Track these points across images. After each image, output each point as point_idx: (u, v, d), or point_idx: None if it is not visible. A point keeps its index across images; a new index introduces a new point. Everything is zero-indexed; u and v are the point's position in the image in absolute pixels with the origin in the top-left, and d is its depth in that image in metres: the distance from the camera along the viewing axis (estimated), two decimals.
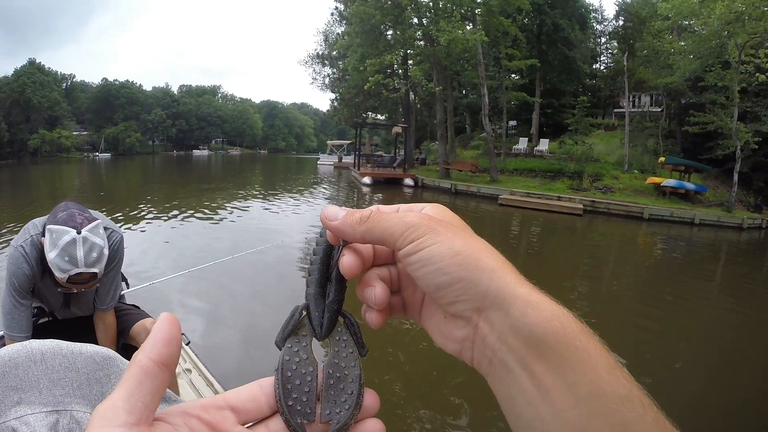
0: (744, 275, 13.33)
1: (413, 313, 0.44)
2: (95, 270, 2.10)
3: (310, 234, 12.66)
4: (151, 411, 0.31)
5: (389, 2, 27.90)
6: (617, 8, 42.34)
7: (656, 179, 23.35)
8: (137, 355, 0.32)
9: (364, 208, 0.42)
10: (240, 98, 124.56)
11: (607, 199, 22.21)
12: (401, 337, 6.19)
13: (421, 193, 26.65)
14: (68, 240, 2.00)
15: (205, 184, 29.45)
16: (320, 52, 49.31)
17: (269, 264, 9.32)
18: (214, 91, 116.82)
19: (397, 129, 33.81)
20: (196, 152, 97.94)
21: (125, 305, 2.75)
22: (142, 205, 17.08)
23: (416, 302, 0.43)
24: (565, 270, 11.63)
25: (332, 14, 47.70)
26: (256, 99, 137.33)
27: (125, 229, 12.74)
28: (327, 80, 50.20)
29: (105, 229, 2.25)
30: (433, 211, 0.43)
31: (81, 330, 2.49)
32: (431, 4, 28.20)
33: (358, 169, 33.08)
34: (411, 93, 39.44)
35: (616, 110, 37.64)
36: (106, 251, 2.14)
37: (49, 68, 74.44)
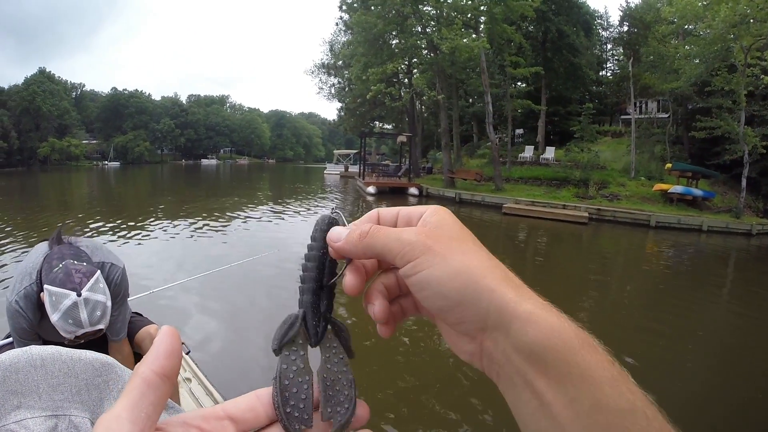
0: (753, 281, 13.18)
1: (423, 312, 0.44)
2: (101, 326, 2.07)
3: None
4: (153, 422, 0.31)
5: (392, 12, 27.90)
6: (622, 14, 42.16)
7: (663, 186, 23.05)
8: (140, 367, 0.33)
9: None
10: (248, 108, 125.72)
11: (613, 206, 21.98)
12: (396, 350, 6.11)
13: (426, 202, 26.22)
14: (69, 304, 1.96)
15: (212, 193, 29.63)
16: (326, 62, 49.58)
17: (270, 273, 9.27)
18: (222, 100, 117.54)
19: (402, 138, 33.79)
20: (204, 161, 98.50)
21: None
22: (149, 214, 17.16)
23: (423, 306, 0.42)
24: (571, 279, 11.49)
25: (337, 24, 47.95)
26: (265, 108, 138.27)
27: (133, 237, 12.85)
28: (333, 90, 50.46)
29: (104, 264, 2.24)
30: (432, 217, 0.42)
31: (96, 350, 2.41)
32: (434, 12, 28.18)
33: (363, 179, 33.03)
34: (417, 102, 39.47)
35: (623, 117, 37.36)
36: (109, 303, 2.09)
37: (59, 77, 75.53)
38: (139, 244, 12.21)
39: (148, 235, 13.38)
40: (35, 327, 2.22)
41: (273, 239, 13.66)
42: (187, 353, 3.30)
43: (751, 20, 21.16)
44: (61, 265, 2.03)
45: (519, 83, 36.72)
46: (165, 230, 14.21)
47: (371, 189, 28.81)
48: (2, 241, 11.92)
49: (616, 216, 21.04)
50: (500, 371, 0.36)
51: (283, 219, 18.08)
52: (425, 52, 30.39)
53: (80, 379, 0.84)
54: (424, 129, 44.21)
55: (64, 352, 0.84)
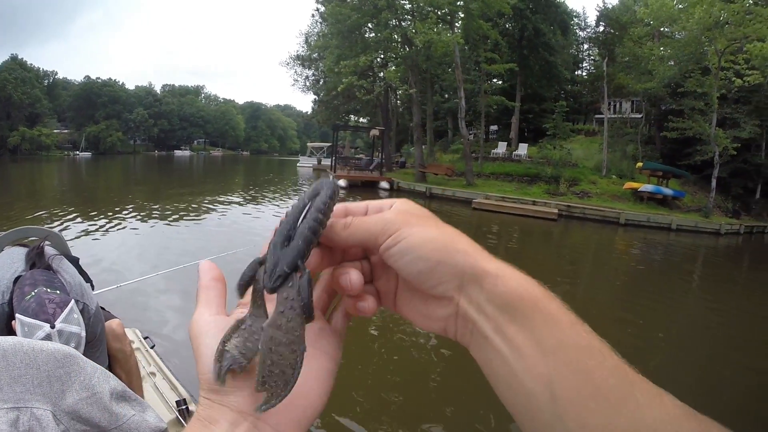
0: (723, 277, 13.39)
1: (388, 302, 0.46)
2: None
3: None
4: (222, 306, 0.42)
5: (367, 4, 27.43)
6: (598, 14, 42.26)
7: (634, 184, 23.02)
8: (202, 275, 0.44)
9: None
10: (223, 99, 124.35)
11: (583, 204, 21.85)
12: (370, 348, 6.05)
13: (397, 196, 25.77)
14: (42, 336, 1.82)
15: (186, 186, 28.68)
16: (301, 54, 48.86)
17: (240, 269, 8.86)
18: (197, 91, 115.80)
19: (374, 132, 33.32)
20: (177, 153, 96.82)
21: None
22: (121, 207, 16.25)
23: (390, 291, 0.46)
24: (541, 274, 11.01)
25: (313, 15, 47.22)
26: (240, 100, 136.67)
27: (103, 229, 12.24)
28: (308, 82, 49.79)
29: (77, 302, 2.03)
30: (402, 206, 0.45)
31: None
32: (409, 6, 27.78)
33: (335, 172, 32.54)
34: (392, 96, 39.10)
35: (597, 116, 37.51)
36: (83, 334, 1.93)
37: (32, 64, 73.68)
38: (109, 236, 11.64)
39: (119, 227, 12.77)
40: None
41: (246, 233, 13.24)
42: (152, 347, 3.39)
43: (726, 24, 21.17)
44: (33, 293, 1.90)
45: (494, 80, 36.56)
46: (136, 223, 13.59)
47: (342, 182, 28.23)
48: None
49: (586, 213, 20.90)
50: (473, 328, 0.39)
51: (256, 213, 17.53)
52: (400, 45, 29.96)
53: (42, 370, 0.85)
54: (398, 123, 43.89)
55: (26, 344, 0.85)
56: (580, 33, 46.89)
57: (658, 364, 6.37)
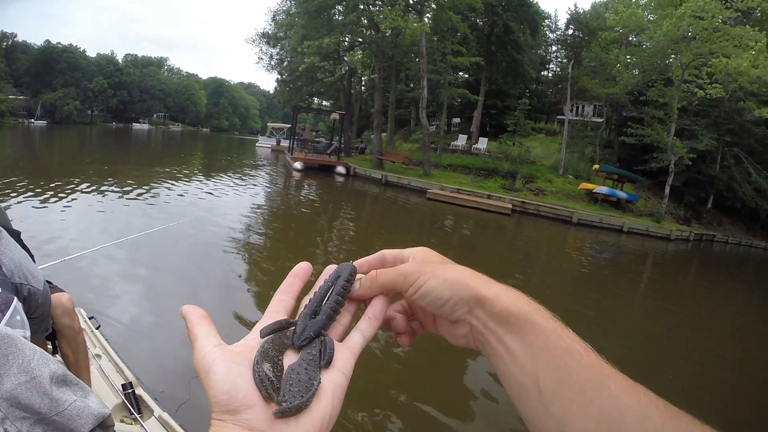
0: (671, 278, 13.80)
1: (429, 327, 0.56)
2: None
3: (235, 216, 12.20)
4: (219, 337, 0.45)
5: None
6: (569, 17, 42.41)
7: (589, 185, 23.07)
8: (189, 316, 0.47)
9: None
10: (186, 73, 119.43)
11: (537, 200, 21.69)
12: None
13: (353, 182, 25.57)
14: None
15: (143, 160, 27.36)
16: (268, 32, 47.59)
17: (189, 243, 8.90)
18: (160, 63, 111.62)
19: (334, 116, 32.57)
20: (136, 125, 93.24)
21: None
22: (75, 178, 15.00)
23: (428, 320, 0.55)
24: (492, 268, 11.07)
25: None
26: (204, 75, 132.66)
27: (55, 201, 11.32)
28: (273, 61, 48.56)
29: (21, 287, 1.85)
30: (419, 255, 0.56)
31: None
32: None
33: (292, 154, 31.78)
34: (356, 81, 38.51)
35: (559, 117, 37.65)
36: (28, 334, 1.73)
37: None
38: (61, 209, 10.77)
39: (72, 200, 11.82)
40: None
41: (196, 208, 12.85)
42: (97, 328, 3.29)
43: (694, 38, 21.36)
44: None
45: (461, 73, 36.31)
46: (89, 196, 12.67)
47: (298, 165, 27.70)
48: None
49: (540, 210, 20.78)
50: (484, 340, 0.47)
51: (209, 189, 16.67)
52: (366, 30, 29.33)
53: None
54: (362, 109, 43.31)
55: None
56: (550, 35, 47.20)
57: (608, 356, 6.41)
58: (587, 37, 35.68)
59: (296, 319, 0.49)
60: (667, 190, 23.09)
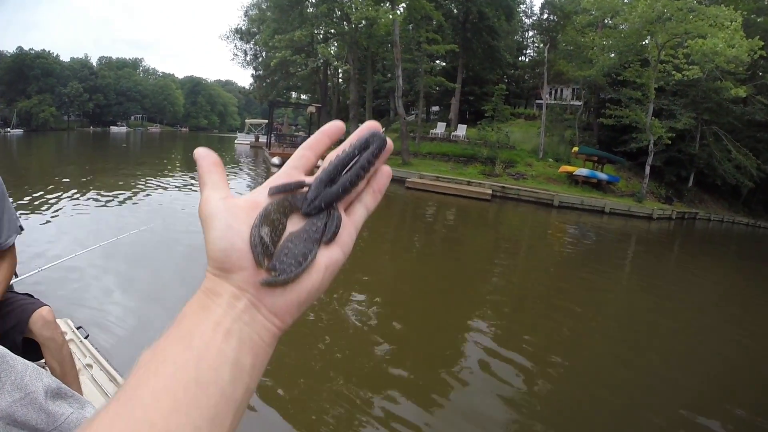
0: (657, 256, 13.84)
1: None
2: None
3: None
4: (228, 189, 0.43)
5: None
6: (543, 1, 42.29)
7: (569, 168, 22.95)
8: (201, 161, 0.44)
9: None
10: (162, 73, 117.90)
11: (517, 185, 21.50)
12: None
13: None
14: None
15: (122, 163, 26.61)
16: (241, 27, 47.08)
17: (172, 247, 8.79)
18: (135, 64, 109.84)
19: (311, 109, 32.29)
20: (113, 129, 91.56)
21: (18, 294, 2.47)
22: (53, 186, 14.49)
23: None
24: (472, 254, 11.29)
25: None
26: (180, 74, 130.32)
27: (34, 211, 10.85)
28: (248, 57, 48.06)
29: None
30: None
31: None
32: None
33: (270, 149, 31.34)
34: (334, 74, 38.18)
35: (537, 101, 37.60)
36: (3, 351, 1.43)
37: None
38: (40, 217, 10.36)
39: (50, 208, 11.35)
40: None
41: (180, 211, 12.45)
42: (85, 337, 3.23)
43: (668, 19, 21.30)
44: None
45: (437, 61, 36.06)
46: (65, 203, 12.11)
47: (276, 160, 27.31)
48: None
49: (520, 194, 20.63)
50: None
51: (189, 190, 16.05)
52: (339, 22, 28.98)
53: None
54: (339, 101, 42.88)
55: None
56: (526, 20, 46.98)
57: (593, 341, 6.68)
58: (562, 21, 35.51)
59: (311, 180, 0.46)
60: (648, 169, 23.10)
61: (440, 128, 32.35)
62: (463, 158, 25.99)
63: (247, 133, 54.58)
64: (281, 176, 0.45)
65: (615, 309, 8.41)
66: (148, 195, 14.30)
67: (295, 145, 31.11)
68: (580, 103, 31.96)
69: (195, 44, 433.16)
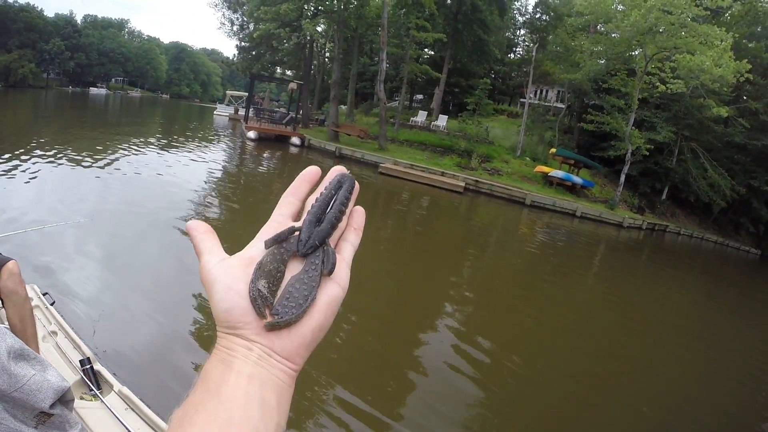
0: (623, 264, 14.04)
1: None
2: None
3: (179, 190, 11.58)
4: (222, 251, 0.46)
5: None
6: (537, 0, 42.11)
7: (545, 168, 22.81)
8: (193, 232, 0.48)
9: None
10: (147, 36, 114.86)
11: (492, 180, 21.22)
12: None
13: (307, 153, 24.79)
14: None
15: (99, 128, 25.42)
16: None
17: (147, 220, 8.64)
18: (121, 25, 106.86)
19: (292, 85, 31.56)
20: (93, 90, 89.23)
21: None
22: (26, 147, 13.56)
23: None
24: (440, 246, 11.38)
25: None
26: (165, 39, 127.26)
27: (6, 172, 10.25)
28: (234, 27, 47.02)
29: None
30: None
31: None
32: None
33: (247, 123, 30.64)
34: (320, 51, 37.56)
35: (522, 100, 37.46)
36: None
37: None
38: (11, 179, 9.82)
39: (20, 171, 10.59)
40: None
41: (158, 184, 12.13)
42: (51, 304, 3.23)
43: (659, 32, 21.27)
44: None
45: (426, 50, 35.64)
46: (40, 166, 11.41)
47: (252, 134, 26.81)
48: None
49: (493, 190, 20.41)
50: None
51: (169, 163, 15.37)
52: None
53: None
54: (324, 80, 42.20)
55: None
56: (519, 18, 46.74)
57: (554, 338, 6.84)
58: (554, 22, 35.34)
59: (300, 225, 0.49)
60: (623, 178, 23.09)
61: (421, 116, 31.99)
62: (441, 149, 25.72)
63: (228, 105, 53.60)
64: (272, 225, 0.48)
65: (578, 313, 8.45)
66: (131, 167, 13.46)
67: (274, 121, 30.52)
68: (563, 106, 31.82)
69: (183, 8, 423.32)
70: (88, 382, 2.56)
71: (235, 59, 47.77)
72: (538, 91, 36.26)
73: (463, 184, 19.82)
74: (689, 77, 20.60)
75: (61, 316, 3.18)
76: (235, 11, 45.60)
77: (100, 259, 6.46)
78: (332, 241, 0.49)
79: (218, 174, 15.42)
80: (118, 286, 5.77)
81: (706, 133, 26.16)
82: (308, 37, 30.73)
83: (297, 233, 0.48)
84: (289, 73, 46.42)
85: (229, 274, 0.43)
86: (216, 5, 46.94)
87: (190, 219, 0.48)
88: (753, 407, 6.26)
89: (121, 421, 2.36)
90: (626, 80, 23.61)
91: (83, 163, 12.50)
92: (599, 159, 25.61)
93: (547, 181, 22.65)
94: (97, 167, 12.40)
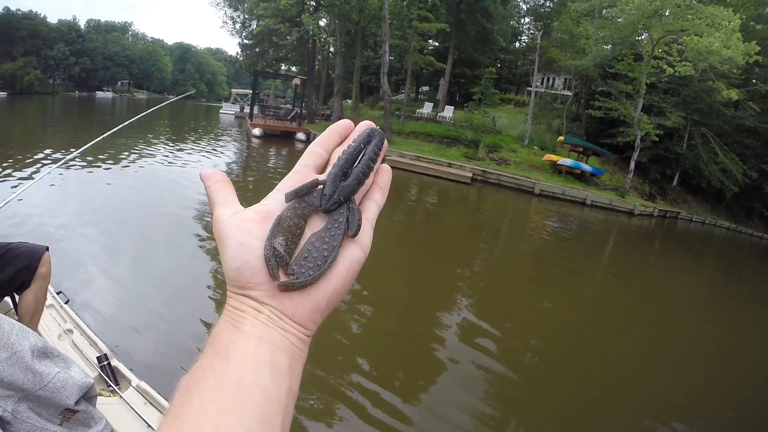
0: (633, 254, 13.72)
1: None
2: None
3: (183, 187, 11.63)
4: (238, 203, 0.44)
5: None
6: None
7: (553, 157, 22.57)
8: (207, 181, 0.45)
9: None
10: (152, 38, 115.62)
11: (499, 170, 21.02)
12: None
13: None
14: None
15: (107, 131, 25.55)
16: None
17: (157, 217, 8.71)
18: (124, 28, 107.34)
19: (296, 81, 31.40)
20: (99, 94, 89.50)
21: (11, 241, 2.45)
22: (37, 152, 13.68)
23: None
24: (449, 238, 11.23)
25: None
26: (169, 40, 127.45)
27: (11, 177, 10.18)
28: (236, 25, 46.97)
29: None
30: None
31: None
32: None
33: (252, 120, 30.55)
34: (323, 46, 37.45)
35: (529, 88, 37.09)
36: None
37: None
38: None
39: (32, 175, 10.55)
40: None
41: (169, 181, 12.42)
42: (66, 302, 3.24)
43: (665, 14, 21.00)
44: None
45: (429, 41, 35.37)
46: (50, 170, 11.21)
47: (257, 131, 26.91)
48: None
49: (501, 180, 20.23)
50: None
51: (167, 160, 15.41)
52: None
53: None
54: (329, 74, 42.06)
55: None
56: (523, 5, 46.24)
57: (568, 325, 6.78)
58: (558, 8, 34.96)
59: (324, 178, 0.46)
60: (632, 165, 22.81)
61: (427, 108, 31.76)
62: (447, 139, 25.48)
63: (233, 103, 53.63)
64: (294, 177, 0.46)
65: (591, 301, 8.42)
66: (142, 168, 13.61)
67: (278, 117, 30.39)
68: (570, 93, 31.45)
69: (186, 9, 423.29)
70: (106, 379, 2.58)
71: (239, 57, 47.66)
72: (545, 79, 35.86)
73: (470, 174, 19.64)
74: (698, 59, 20.28)
75: (76, 313, 3.20)
76: (236, 9, 45.53)
77: (113, 255, 6.48)
78: (356, 198, 0.46)
79: (222, 171, 15.22)
80: (131, 281, 5.78)
81: (716, 117, 25.67)
82: (310, 32, 30.57)
83: (321, 187, 0.45)
84: (294, 69, 46.33)
85: (243, 229, 0.41)
86: (217, 4, 46.90)
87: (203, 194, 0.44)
88: None
89: (140, 416, 2.38)
90: (633, 65, 23.16)
91: (95, 164, 12.55)
92: (608, 146, 25.21)
93: (556, 169, 22.37)
94: (109, 165, 12.68)
